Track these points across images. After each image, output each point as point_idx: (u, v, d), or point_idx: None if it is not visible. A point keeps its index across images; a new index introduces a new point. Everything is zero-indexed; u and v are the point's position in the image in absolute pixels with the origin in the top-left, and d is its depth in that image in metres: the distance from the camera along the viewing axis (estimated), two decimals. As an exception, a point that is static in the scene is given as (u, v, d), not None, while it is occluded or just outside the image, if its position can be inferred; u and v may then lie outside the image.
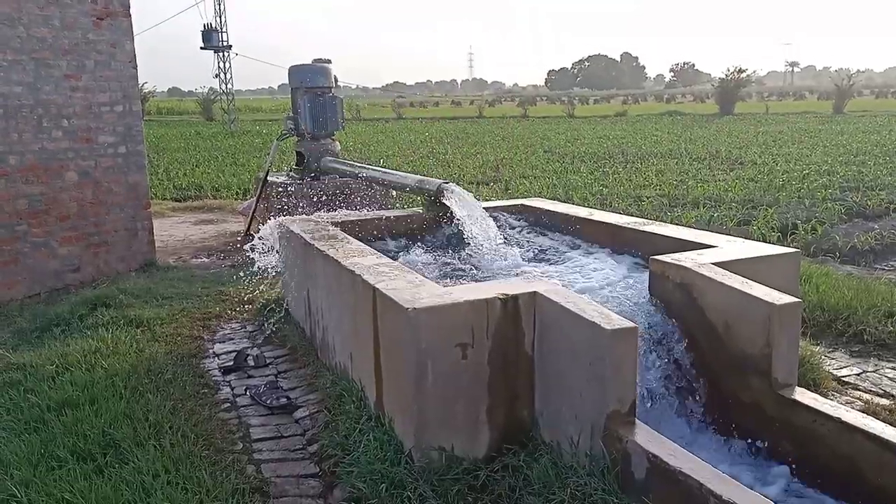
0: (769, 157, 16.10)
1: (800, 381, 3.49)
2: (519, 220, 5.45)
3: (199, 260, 7.61)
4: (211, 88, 40.47)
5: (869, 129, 23.66)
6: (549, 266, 4.40)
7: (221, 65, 32.79)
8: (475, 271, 4.41)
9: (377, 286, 3.37)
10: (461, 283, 3.77)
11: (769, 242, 8.00)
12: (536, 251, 4.79)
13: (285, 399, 4.01)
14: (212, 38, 31.71)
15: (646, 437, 2.70)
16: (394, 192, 8.43)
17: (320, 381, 4.16)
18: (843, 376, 3.96)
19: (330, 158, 7.55)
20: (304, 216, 5.46)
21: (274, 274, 5.59)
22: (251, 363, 4.52)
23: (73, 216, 6.42)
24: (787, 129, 25.02)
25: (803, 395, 3.02)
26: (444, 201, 5.06)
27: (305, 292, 4.71)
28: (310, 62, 7.91)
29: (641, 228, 4.44)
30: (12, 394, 3.99)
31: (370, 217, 5.27)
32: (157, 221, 10.52)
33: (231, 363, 4.52)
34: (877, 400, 3.65)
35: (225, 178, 14.80)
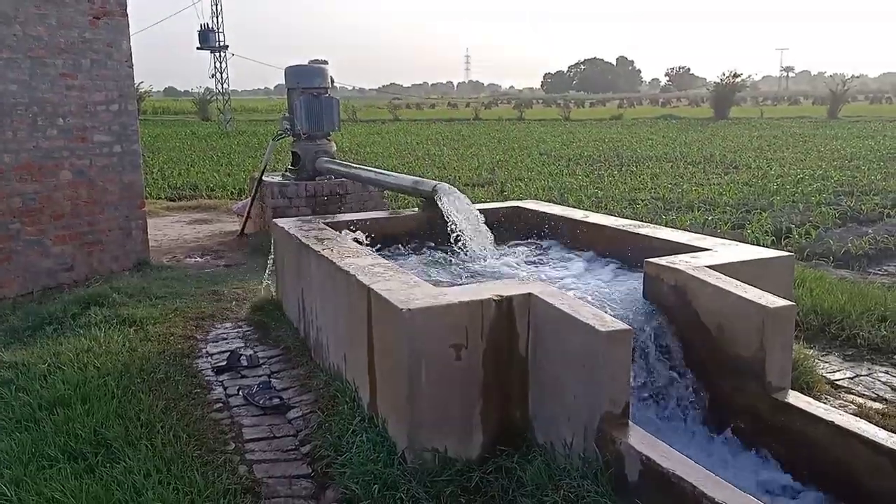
0: (763, 162, 16.15)
1: (793, 384, 3.50)
2: (513, 222, 5.45)
3: (193, 259, 7.59)
4: (207, 88, 40.43)
5: (863, 135, 23.77)
6: (544, 268, 4.41)
7: (218, 65, 32.76)
8: (469, 273, 4.41)
9: (372, 287, 3.36)
10: (456, 285, 3.77)
11: (763, 246, 8.04)
12: (530, 253, 4.79)
13: (278, 399, 3.99)
14: (208, 39, 31.67)
15: (639, 439, 2.70)
16: (387, 194, 8.43)
17: (314, 381, 4.15)
18: (836, 380, 3.97)
19: (325, 159, 7.54)
20: (298, 217, 5.45)
21: (268, 275, 5.58)
22: (244, 363, 4.50)
23: (67, 215, 6.39)
24: (781, 134, 25.11)
25: (797, 399, 3.03)
26: (438, 203, 5.06)
27: (299, 293, 4.69)
28: (306, 63, 7.90)
29: (636, 231, 4.45)
30: (3, 392, 3.97)
31: (364, 218, 5.27)
32: (151, 221, 10.49)
33: (224, 363, 4.50)
34: (870, 403, 3.66)
35: (220, 178, 14.77)
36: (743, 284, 3.28)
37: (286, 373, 4.43)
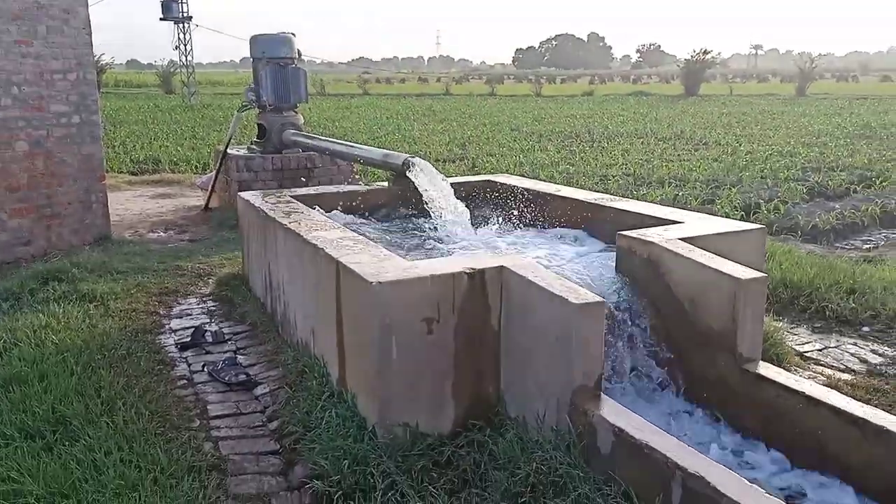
0: (733, 138, 16.28)
1: (764, 356, 3.50)
2: (486, 196, 5.38)
3: (156, 234, 7.39)
4: (171, 61, 39.38)
5: (830, 112, 24.10)
6: (516, 241, 4.35)
7: (181, 36, 31.87)
8: (441, 246, 4.34)
9: (341, 260, 3.27)
10: (428, 258, 3.70)
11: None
12: (503, 226, 4.73)
13: (244, 376, 3.90)
14: (171, 9, 30.76)
15: (612, 410, 2.67)
16: (357, 168, 8.29)
17: (281, 357, 4.06)
18: (805, 352, 4.00)
19: (293, 132, 7.37)
20: (265, 190, 5.32)
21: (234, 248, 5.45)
22: (209, 339, 4.40)
23: (24, 187, 6.16)
24: (750, 111, 25.35)
25: (767, 370, 3.03)
26: (409, 176, 4.96)
27: (266, 267, 4.58)
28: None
29: (609, 204, 4.41)
30: (-44, 370, 3.81)
31: (334, 191, 5.16)
32: (113, 195, 10.20)
33: (188, 339, 4.39)
34: (838, 375, 3.69)
35: (184, 152, 14.43)
36: (715, 257, 3.26)
37: (253, 349, 4.33)
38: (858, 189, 9.65)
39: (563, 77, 65.50)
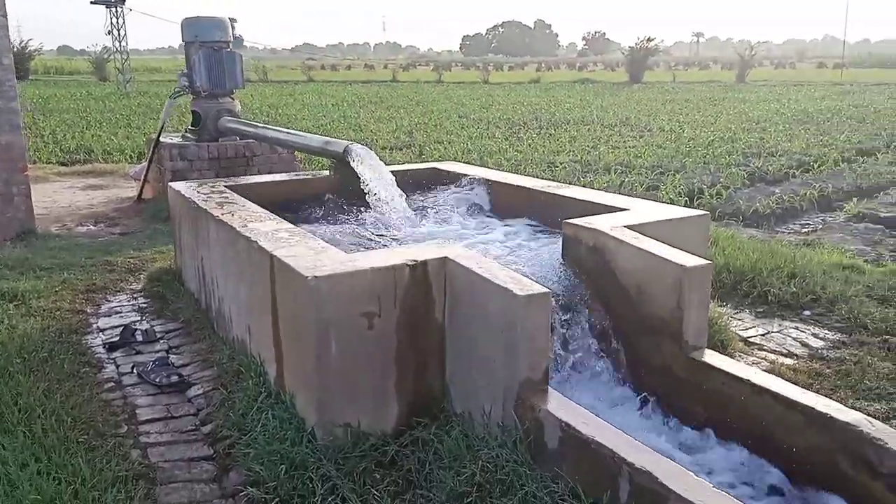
0: (676, 125, 16.51)
1: (709, 342, 3.49)
2: (431, 184, 5.26)
3: (86, 228, 7.03)
4: (105, 47, 37.81)
5: (769, 98, 24.73)
6: (462, 230, 4.24)
7: (114, 20, 30.59)
8: (383, 237, 4.20)
9: (275, 253, 3.11)
10: (368, 250, 3.56)
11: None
12: (447, 216, 4.61)
13: (176, 377, 3.70)
14: (103, -8, 29.48)
15: (558, 405, 2.59)
16: (300, 156, 8.06)
17: (216, 356, 3.86)
18: (749, 337, 4.01)
19: (229, 119, 7.08)
20: (198, 180, 5.07)
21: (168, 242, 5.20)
22: (139, 338, 4.17)
23: (-65, 179, 5.76)
24: (693, 98, 25.81)
25: (713, 358, 2.99)
26: (350, 164, 4.79)
27: (199, 261, 4.36)
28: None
29: (555, 192, 4.33)
30: None
31: (269, 181, 4.96)
32: (40, 186, 9.72)
33: (117, 339, 4.15)
34: (781, 360, 3.71)
35: (118, 141, 13.85)
36: (660, 244, 3.21)
37: (187, 347, 4.12)
38: (797, 174, 9.87)
39: (510, 64, 65.66)
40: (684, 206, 8.21)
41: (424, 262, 2.97)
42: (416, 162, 10.93)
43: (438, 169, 5.34)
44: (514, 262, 3.47)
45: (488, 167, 10.32)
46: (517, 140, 14.10)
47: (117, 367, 3.88)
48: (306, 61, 62.62)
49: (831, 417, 2.54)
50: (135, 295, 4.94)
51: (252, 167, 7.25)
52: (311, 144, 5.36)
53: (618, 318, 3.31)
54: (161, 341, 4.21)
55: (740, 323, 4.22)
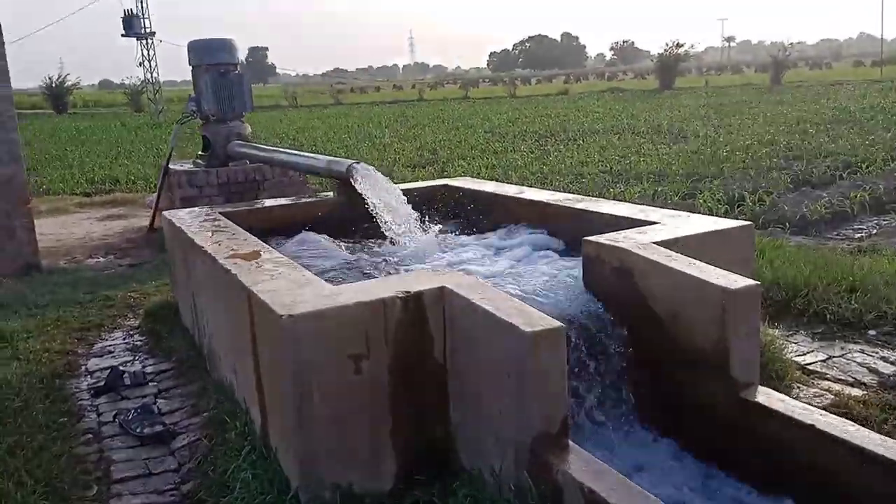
0: (711, 129, 15.88)
1: (762, 373, 3.00)
2: (442, 202, 4.86)
3: (95, 260, 6.79)
4: (140, 79, 38.54)
5: (807, 99, 23.84)
6: (472, 252, 3.82)
7: (145, 52, 31.15)
8: (387, 263, 3.80)
9: (252, 288, 2.73)
10: (359, 280, 3.16)
11: (717, 215, 7.62)
12: (458, 237, 4.20)
13: (160, 426, 3.33)
14: (133, 25, 30.01)
15: (580, 465, 2.14)
16: (313, 179, 7.74)
17: (205, 401, 3.50)
18: (807, 364, 3.48)
19: (238, 143, 6.80)
20: (193, 208, 4.76)
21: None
22: (127, 382, 3.82)
23: (-67, 215, 5.57)
24: (727, 101, 25.04)
25: (767, 397, 2.51)
26: (354, 184, 4.42)
27: (191, 295, 4.02)
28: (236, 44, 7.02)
29: (574, 206, 3.89)
30: None
31: (269, 206, 4.62)
32: (59, 218, 9.62)
33: (102, 383, 3.82)
34: (848, 390, 3.18)
35: (144, 170, 13.80)
36: (697, 262, 2.75)
37: (177, 390, 3.76)
38: (844, 175, 9.22)
39: (537, 78, 65.26)
40: (724, 214, 7.69)
41: (419, 294, 2.56)
42: (437, 179, 10.56)
43: (450, 185, 4.95)
44: (528, 287, 3.04)
45: (512, 182, 9.91)
46: (544, 153, 13.65)
47: (99, 415, 3.54)
48: (335, 85, 63.20)
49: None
50: (131, 332, 4.62)
51: (263, 191, 6.95)
52: (315, 165, 5.01)
53: (649, 350, 2.84)
54: (151, 384, 3.86)
55: (796, 347, 3.69)
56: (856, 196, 7.60)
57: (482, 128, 20.04)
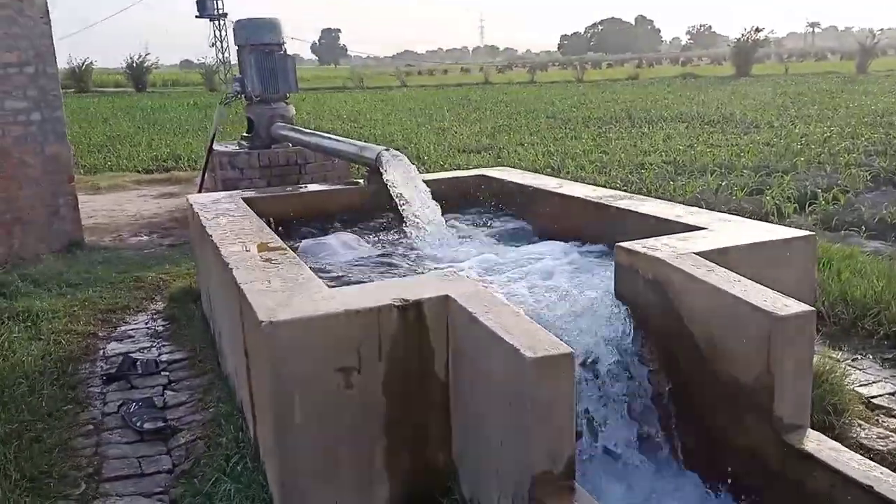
0: (787, 120, 14.95)
1: (817, 405, 2.63)
2: (477, 194, 4.57)
3: (138, 238, 6.79)
4: (213, 59, 39.28)
5: (895, 89, 22.28)
6: (497, 252, 3.53)
7: (217, 33, 31.68)
8: (409, 261, 3.55)
9: (243, 286, 2.52)
10: (360, 283, 2.92)
11: (785, 214, 7.05)
12: (487, 234, 3.92)
13: (161, 422, 3.19)
14: (206, 6, 30.53)
15: (584, 514, 1.85)
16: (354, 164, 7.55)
17: (211, 396, 3.35)
18: (873, 396, 3.05)
19: (280, 124, 6.66)
20: (217, 193, 4.62)
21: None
22: (139, 370, 3.71)
23: (-22, 191, 5.62)
24: (807, 90, 23.65)
25: (819, 445, 2.14)
26: (382, 173, 4.19)
27: (207, 283, 3.88)
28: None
29: (614, 204, 3.53)
30: None
31: (294, 193, 4.43)
32: (116, 195, 9.76)
33: (114, 370, 3.72)
34: (919, 433, 2.76)
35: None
36: (742, 279, 2.38)
37: (187, 382, 3.63)
38: (933, 175, 8.44)
39: (608, 62, 63.53)
40: (794, 212, 7.12)
41: (419, 303, 2.29)
42: (493, 165, 10.24)
43: (487, 176, 4.64)
44: (550, 297, 2.73)
45: (569, 171, 9.49)
46: (605, 140, 13.11)
47: (105, 404, 3.43)
48: (403, 68, 63.14)
49: None
50: (154, 316, 4.53)
51: (305, 175, 6.80)
52: (347, 150, 4.81)
53: (684, 378, 2.51)
54: (163, 373, 3.74)
55: (861, 375, 3.24)
56: (945, 199, 6.89)
57: (545, 113, 19.51)
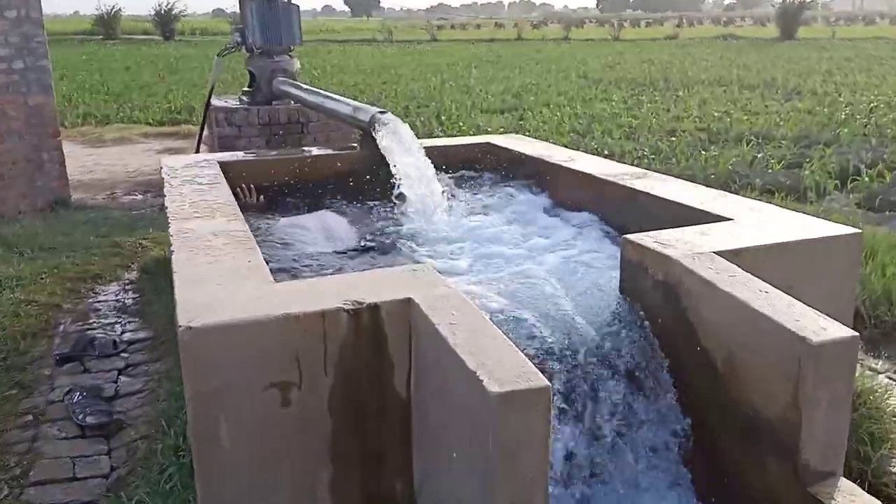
0: (832, 87, 14.09)
1: (850, 432, 2.20)
2: (481, 163, 4.14)
3: (131, 197, 6.48)
4: (241, 8, 38.57)
5: (950, 56, 21.01)
6: (493, 235, 3.11)
7: (246, -20, 30.95)
8: (396, 245, 3.15)
9: (175, 275, 2.15)
10: (315, 276, 2.53)
11: (825, 191, 6.49)
12: (487, 213, 3.49)
13: (105, 416, 2.87)
14: (233, -48, 29.78)
15: None
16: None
17: (167, 386, 3.02)
18: (919, 422, 2.61)
19: (282, 79, 6.21)
20: (202, 154, 4.23)
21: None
22: (95, 351, 3.39)
23: (-46, 143, 5.33)
24: (855, 56, 22.42)
25: (853, 500, 1.73)
26: (376, 138, 3.76)
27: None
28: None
29: (630, 184, 3.06)
30: None
31: (280, 157, 4.03)
32: (118, 148, 9.44)
33: (69, 350, 3.40)
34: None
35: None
36: (770, 289, 1.94)
37: (145, 367, 3.30)
38: None
39: (648, 20, 61.40)
40: (835, 188, 6.55)
41: (374, 307, 1.90)
42: (513, 128, 9.71)
43: (493, 144, 4.19)
44: (546, 291, 2.32)
45: (590, 136, 8.94)
46: (637, 103, 12.44)
47: (52, 390, 3.12)
48: (434, 21, 61.79)
49: None
50: (126, 287, 4.21)
51: (307, 135, 6.36)
52: (340, 111, 4.38)
53: (695, 399, 2.09)
54: (121, 355, 3.42)
55: (904, 393, 2.80)
56: None
57: (576, 72, 18.75)
